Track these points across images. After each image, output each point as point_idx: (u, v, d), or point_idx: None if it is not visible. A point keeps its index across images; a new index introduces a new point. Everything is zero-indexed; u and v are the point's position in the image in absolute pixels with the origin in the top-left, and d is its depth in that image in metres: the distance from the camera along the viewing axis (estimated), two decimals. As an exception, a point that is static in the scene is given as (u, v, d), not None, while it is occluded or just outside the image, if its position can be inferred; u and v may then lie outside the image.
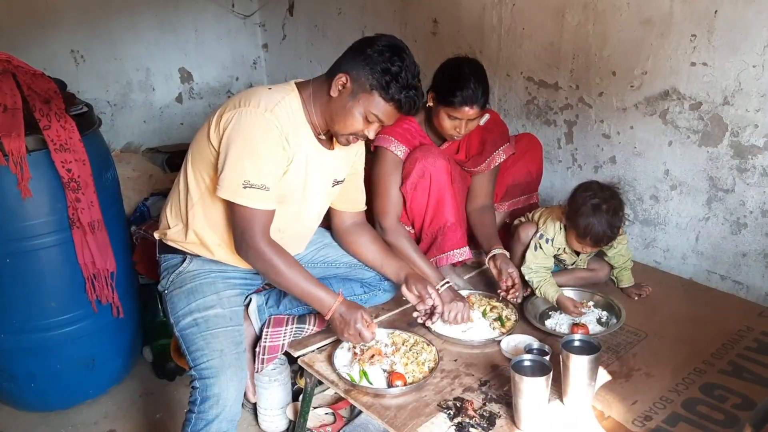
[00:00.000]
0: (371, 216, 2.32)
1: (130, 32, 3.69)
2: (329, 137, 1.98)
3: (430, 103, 2.25)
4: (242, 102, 1.79)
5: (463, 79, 2.14)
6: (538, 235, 2.27)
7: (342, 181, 2.07)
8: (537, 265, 2.26)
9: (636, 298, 2.33)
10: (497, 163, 2.43)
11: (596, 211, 2.08)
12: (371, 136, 1.86)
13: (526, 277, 2.27)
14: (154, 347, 2.66)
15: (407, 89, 1.77)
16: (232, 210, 1.82)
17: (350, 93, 1.79)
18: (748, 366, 1.93)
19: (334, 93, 1.80)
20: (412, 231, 2.43)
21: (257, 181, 1.76)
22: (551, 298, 2.23)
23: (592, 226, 2.08)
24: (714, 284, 2.48)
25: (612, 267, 2.40)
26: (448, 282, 2.19)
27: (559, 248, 2.28)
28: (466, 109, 2.16)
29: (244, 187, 1.75)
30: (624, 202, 2.16)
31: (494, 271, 2.28)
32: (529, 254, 2.27)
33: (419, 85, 1.81)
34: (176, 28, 3.90)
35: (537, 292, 2.26)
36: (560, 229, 2.25)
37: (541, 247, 2.27)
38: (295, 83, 1.91)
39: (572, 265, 2.39)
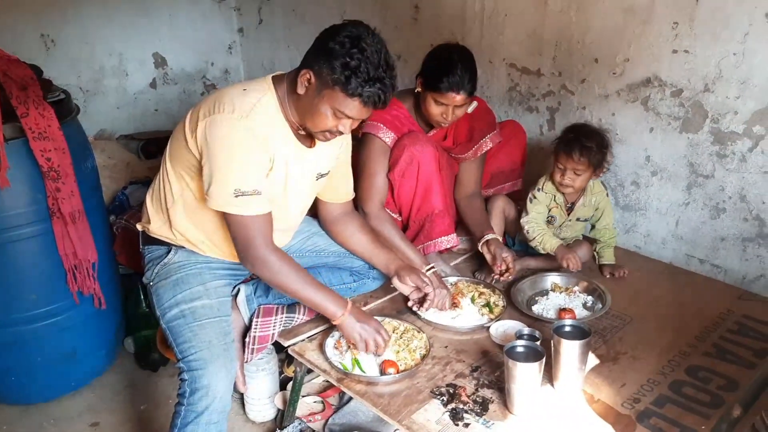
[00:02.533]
0: (356, 201, 2.31)
1: (102, 16, 3.58)
2: (308, 133, 1.94)
3: (418, 89, 2.25)
4: (216, 107, 1.72)
5: (450, 66, 2.14)
6: (534, 189, 2.43)
7: (326, 174, 2.04)
8: (535, 213, 2.40)
9: (608, 276, 2.40)
10: (484, 151, 2.45)
11: (573, 127, 2.35)
12: (346, 131, 1.79)
13: (526, 227, 2.39)
14: (137, 338, 2.63)
15: (369, 83, 1.65)
16: (228, 221, 1.78)
17: (315, 89, 1.71)
18: (730, 348, 1.98)
19: (300, 90, 1.73)
20: (400, 218, 2.44)
21: (248, 187, 1.72)
22: (551, 248, 2.34)
23: (566, 136, 2.30)
24: (693, 268, 2.53)
25: (594, 247, 2.48)
26: (433, 267, 2.21)
27: (548, 194, 2.40)
28: (453, 95, 2.16)
29: (236, 196, 1.72)
30: (608, 139, 2.34)
31: (488, 256, 2.30)
32: (527, 205, 2.42)
33: (384, 76, 1.67)
34: (150, 12, 3.79)
35: (535, 242, 2.37)
36: (548, 178, 2.40)
37: (535, 197, 2.41)
38: (272, 78, 1.84)
39: (560, 226, 2.45)
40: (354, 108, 1.71)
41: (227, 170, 1.71)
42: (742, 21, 2.18)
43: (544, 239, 2.36)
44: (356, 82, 1.65)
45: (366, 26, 1.72)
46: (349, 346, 1.94)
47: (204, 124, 1.72)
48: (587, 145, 2.26)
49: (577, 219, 2.46)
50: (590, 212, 2.45)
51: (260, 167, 1.77)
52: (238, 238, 1.79)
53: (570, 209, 2.43)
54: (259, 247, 1.77)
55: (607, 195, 2.45)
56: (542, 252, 2.40)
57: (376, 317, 2.07)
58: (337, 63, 1.64)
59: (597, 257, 2.47)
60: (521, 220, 2.42)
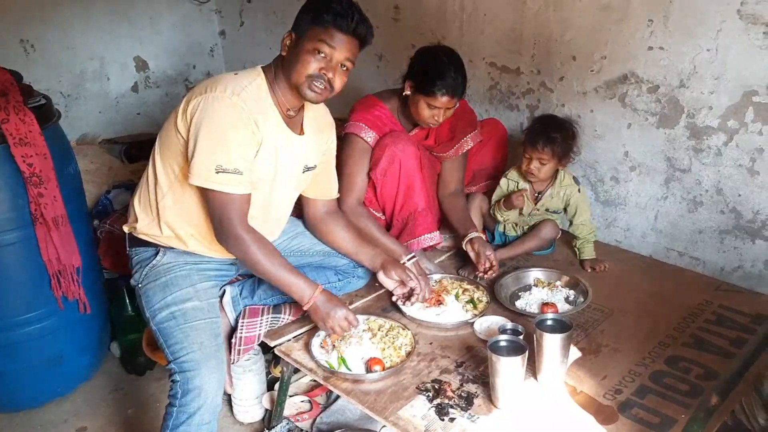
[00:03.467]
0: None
1: (82, 20, 3.57)
2: (299, 120, 1.97)
3: (407, 92, 2.27)
4: (209, 88, 1.78)
5: (443, 69, 2.18)
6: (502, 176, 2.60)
7: (313, 168, 2.07)
8: (497, 196, 2.59)
9: (589, 270, 2.44)
10: (465, 150, 2.48)
11: (542, 118, 2.48)
12: (330, 75, 1.80)
13: (494, 212, 2.58)
14: (122, 342, 2.62)
15: (342, 13, 1.76)
16: (207, 197, 1.81)
17: (295, 42, 1.81)
18: (708, 338, 2.02)
19: (284, 52, 1.84)
20: (383, 217, 2.46)
21: (229, 165, 1.75)
22: (506, 205, 2.51)
23: (534, 126, 2.42)
24: (672, 261, 2.58)
25: (575, 243, 2.54)
26: (414, 256, 2.24)
27: (512, 180, 2.55)
28: (446, 98, 2.20)
29: (217, 173, 1.74)
30: (576, 130, 2.44)
31: (472, 254, 2.33)
32: (494, 195, 2.60)
33: (355, 10, 1.80)
34: (130, 15, 3.78)
35: (500, 215, 2.56)
36: (516, 167, 2.54)
37: (500, 185, 2.57)
38: (261, 67, 1.90)
39: (529, 214, 2.54)
40: (332, 35, 1.78)
41: (212, 146, 1.74)
42: (714, 18, 2.22)
43: (500, 206, 2.53)
44: (331, 13, 1.76)
45: None
46: (333, 345, 1.96)
47: (195, 103, 1.77)
48: (552, 136, 2.35)
49: (546, 210, 2.52)
50: (559, 204, 2.50)
51: (246, 147, 1.79)
52: (215, 215, 1.81)
53: (537, 199, 2.51)
54: (234, 225, 1.79)
55: (580, 191, 2.49)
56: (508, 217, 2.54)
57: (362, 315, 2.10)
58: (312, 7, 1.79)
59: (578, 253, 2.51)
60: (496, 214, 2.56)
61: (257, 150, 1.83)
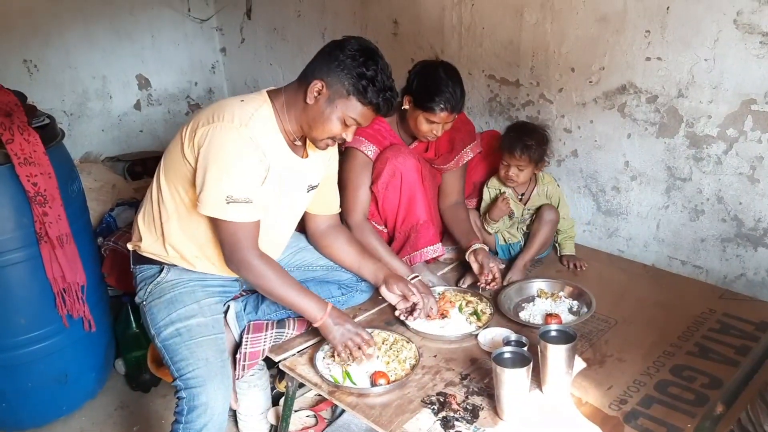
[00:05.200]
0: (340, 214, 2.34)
1: (84, 40, 3.61)
2: (303, 144, 1.98)
3: (406, 106, 2.29)
4: (215, 116, 1.78)
5: (441, 85, 2.20)
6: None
7: (317, 186, 2.09)
8: (484, 207, 2.67)
9: (566, 266, 2.55)
10: (465, 161, 2.49)
11: (514, 126, 2.56)
12: (349, 138, 1.88)
13: (486, 228, 2.64)
14: (127, 359, 2.63)
15: (384, 92, 1.80)
16: (217, 226, 1.82)
17: (327, 99, 1.80)
18: (712, 346, 2.02)
19: (310, 100, 1.81)
20: (385, 230, 2.47)
21: (240, 195, 1.76)
22: (494, 214, 2.56)
23: (509, 134, 2.50)
24: (675, 270, 2.58)
25: (556, 238, 2.64)
26: (417, 276, 2.25)
27: (492, 188, 2.63)
28: (445, 114, 2.22)
29: (228, 203, 1.76)
30: (548, 135, 2.54)
31: (475, 266, 2.33)
32: (481, 207, 2.68)
33: (394, 86, 1.84)
34: (132, 34, 3.83)
35: (492, 226, 2.62)
36: (494, 177, 2.63)
37: (483, 197, 2.67)
38: (267, 92, 1.91)
39: (521, 216, 2.61)
40: (367, 115, 1.84)
41: (221, 176, 1.75)
42: (711, 27, 2.24)
43: (487, 219, 2.60)
44: (373, 91, 1.78)
45: (368, 41, 1.85)
46: (332, 354, 1.97)
47: (203, 132, 1.77)
48: (528, 143, 2.44)
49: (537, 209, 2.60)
50: (545, 201, 2.58)
51: (254, 176, 1.81)
52: (225, 243, 1.83)
53: (525, 199, 2.59)
54: (245, 251, 1.82)
55: (558, 186, 2.61)
56: (498, 228, 2.62)
57: (366, 329, 2.11)
58: (354, 73, 1.77)
59: (559, 248, 2.61)
60: (486, 228, 2.64)
61: (265, 177, 1.85)
